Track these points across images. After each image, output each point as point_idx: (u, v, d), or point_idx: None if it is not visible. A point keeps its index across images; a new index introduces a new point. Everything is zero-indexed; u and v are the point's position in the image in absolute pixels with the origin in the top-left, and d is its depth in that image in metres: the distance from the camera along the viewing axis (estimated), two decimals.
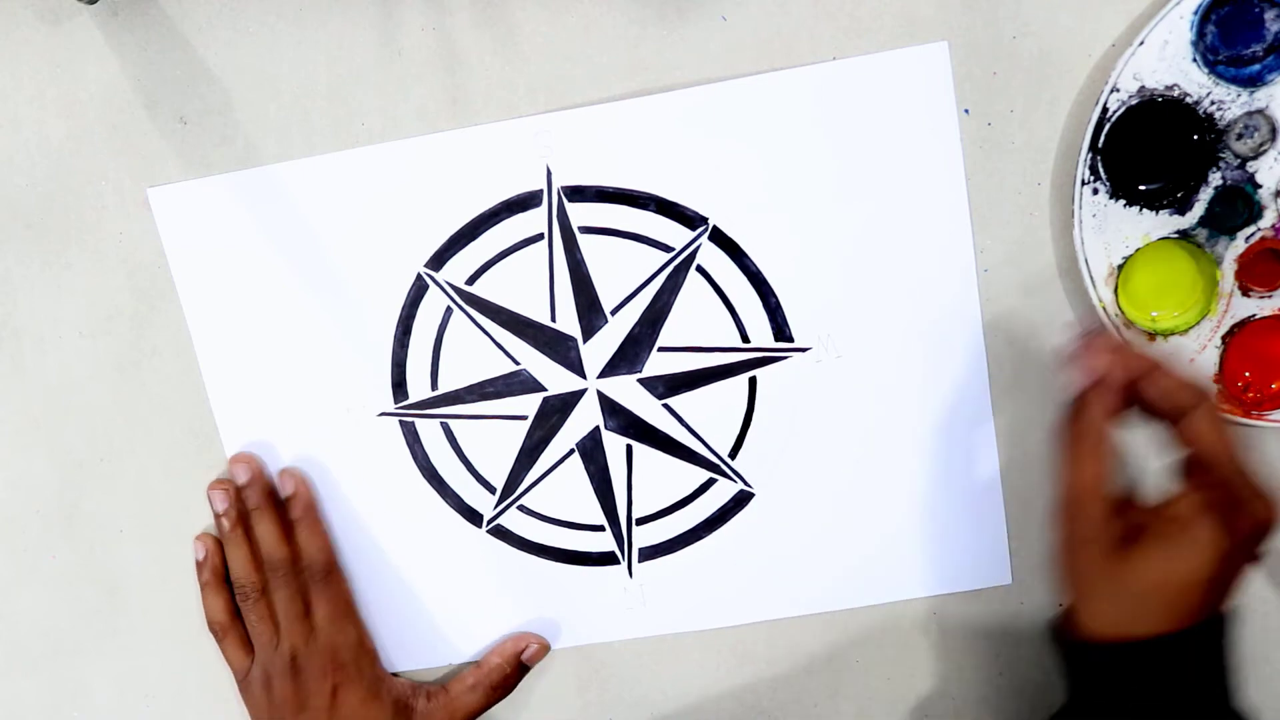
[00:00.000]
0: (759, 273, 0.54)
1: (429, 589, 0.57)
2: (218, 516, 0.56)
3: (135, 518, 0.58)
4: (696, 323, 0.54)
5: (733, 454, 0.56)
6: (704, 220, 0.54)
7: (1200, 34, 0.49)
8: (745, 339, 0.55)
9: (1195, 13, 0.49)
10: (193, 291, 0.56)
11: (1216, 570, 0.44)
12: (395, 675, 0.58)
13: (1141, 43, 0.49)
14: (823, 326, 0.54)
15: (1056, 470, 0.47)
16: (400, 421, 0.56)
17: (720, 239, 0.54)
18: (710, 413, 0.55)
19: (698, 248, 0.54)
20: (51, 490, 0.58)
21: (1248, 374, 0.52)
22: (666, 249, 0.54)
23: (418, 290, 0.55)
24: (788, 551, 0.56)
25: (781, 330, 0.54)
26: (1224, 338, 0.52)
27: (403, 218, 0.54)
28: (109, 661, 0.59)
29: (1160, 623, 0.44)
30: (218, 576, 0.56)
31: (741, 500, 0.56)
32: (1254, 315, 0.52)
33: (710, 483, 0.56)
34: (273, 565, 0.55)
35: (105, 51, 0.54)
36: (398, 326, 0.55)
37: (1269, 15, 0.49)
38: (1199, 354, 0.52)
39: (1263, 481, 0.44)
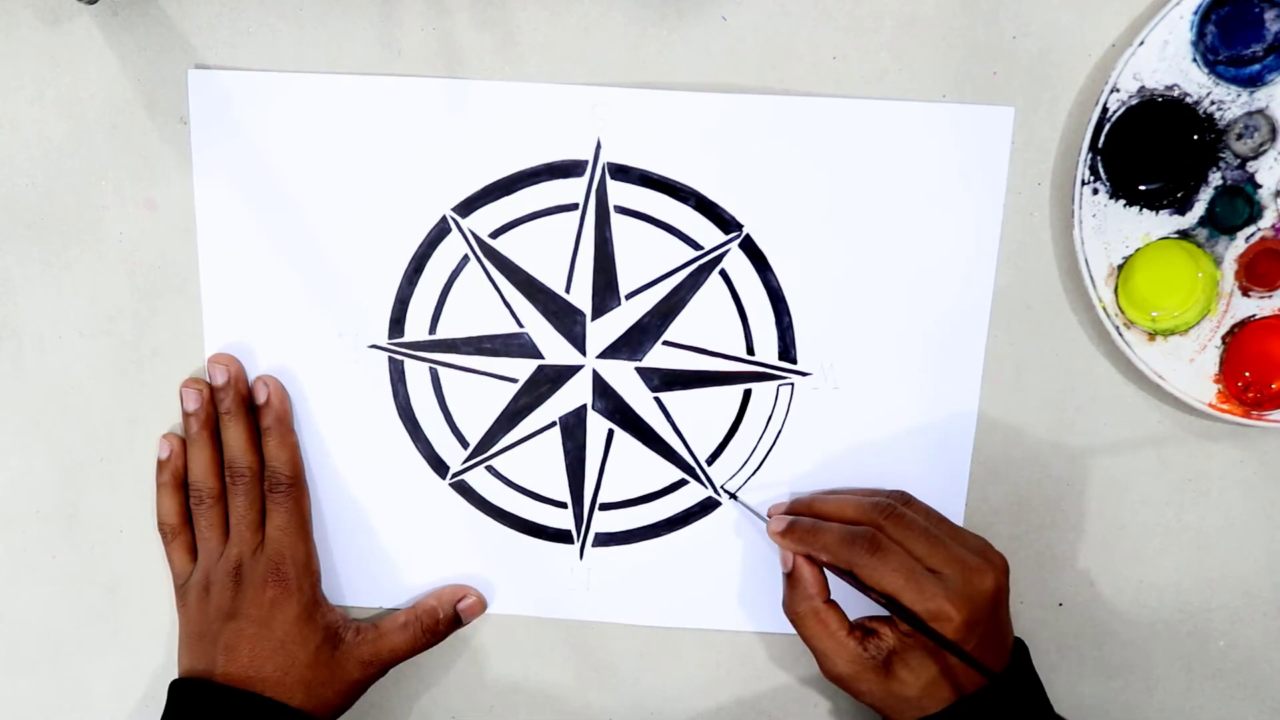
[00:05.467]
0: (779, 289, 0.54)
1: (379, 529, 0.57)
2: (186, 416, 0.55)
3: (135, 518, 0.58)
4: (707, 325, 0.54)
5: (710, 460, 0.56)
6: (739, 226, 0.53)
7: (1200, 34, 0.49)
8: (750, 351, 0.54)
9: (1195, 13, 0.49)
10: (207, 182, 0.54)
11: (970, 642, 0.47)
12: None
13: (1141, 43, 0.49)
14: (827, 355, 0.54)
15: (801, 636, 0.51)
16: (389, 357, 0.56)
17: (750, 248, 0.53)
18: (698, 415, 0.55)
19: (726, 252, 0.54)
20: (51, 490, 0.58)
21: (1248, 374, 0.52)
22: (696, 246, 0.54)
23: (439, 232, 0.54)
24: (741, 565, 0.56)
25: (787, 350, 0.54)
26: (1224, 338, 0.52)
27: (441, 156, 0.53)
28: (109, 661, 0.59)
29: (946, 699, 0.48)
30: (176, 479, 0.56)
31: (707, 507, 0.56)
32: (1254, 315, 0.52)
33: (681, 483, 0.56)
34: (236, 471, 0.54)
35: (105, 51, 0.54)
36: (410, 264, 0.54)
37: (1269, 15, 0.49)
38: (1199, 354, 0.52)
39: (976, 555, 0.49)
